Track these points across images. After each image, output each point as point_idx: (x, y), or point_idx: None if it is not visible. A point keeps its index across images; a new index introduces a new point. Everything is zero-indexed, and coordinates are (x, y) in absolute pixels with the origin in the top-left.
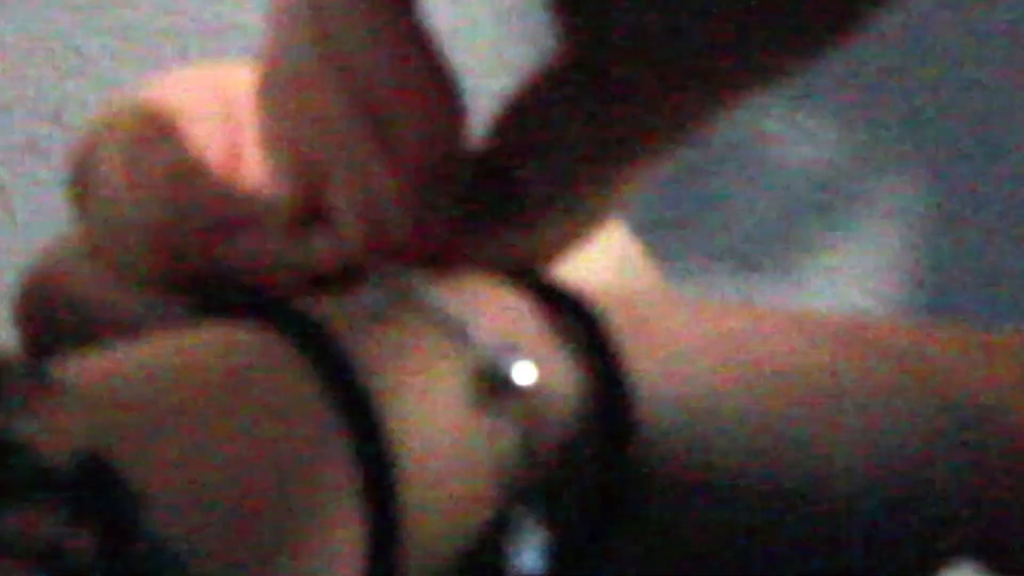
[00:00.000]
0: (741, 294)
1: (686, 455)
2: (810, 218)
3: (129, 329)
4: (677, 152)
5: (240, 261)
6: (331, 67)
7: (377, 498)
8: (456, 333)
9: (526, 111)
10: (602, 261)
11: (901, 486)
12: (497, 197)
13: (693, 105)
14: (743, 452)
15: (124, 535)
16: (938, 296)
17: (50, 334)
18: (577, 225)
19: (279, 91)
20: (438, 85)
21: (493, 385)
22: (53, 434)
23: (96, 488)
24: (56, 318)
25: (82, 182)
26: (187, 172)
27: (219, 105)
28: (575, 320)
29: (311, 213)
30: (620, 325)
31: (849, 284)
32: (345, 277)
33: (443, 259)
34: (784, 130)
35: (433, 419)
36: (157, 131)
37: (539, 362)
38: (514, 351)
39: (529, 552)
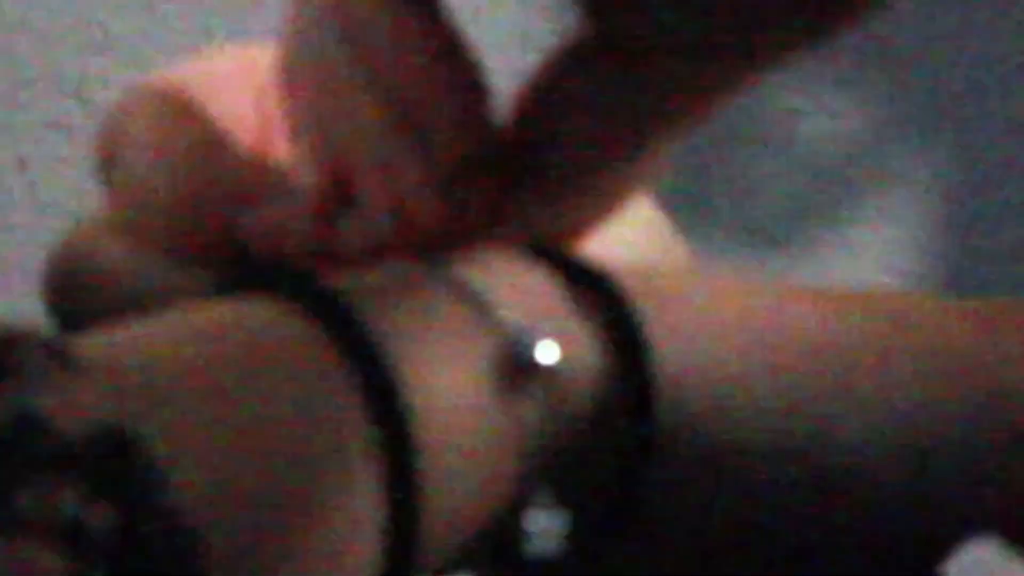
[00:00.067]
0: (763, 269)
1: (708, 432)
2: (833, 194)
3: (156, 302)
4: (700, 127)
5: (262, 234)
6: (356, 56)
7: (397, 473)
8: (480, 310)
9: (549, 88)
10: (628, 237)
11: (923, 460)
12: (521, 174)
13: (715, 80)
14: (765, 428)
15: (143, 510)
16: (960, 272)
17: (78, 308)
18: (601, 201)
19: (304, 79)
20: (462, 72)
21: (516, 364)
22: (72, 409)
23: (115, 463)
24: (84, 292)
25: (109, 156)
26: (212, 145)
27: (250, 84)
28: (599, 297)
29: (339, 198)
30: (643, 302)
31: (872, 260)
32: (371, 260)
33: (469, 238)
34: (807, 106)
35: (455, 395)
36: (184, 106)
37: (562, 340)
38: (538, 329)
39: (548, 530)
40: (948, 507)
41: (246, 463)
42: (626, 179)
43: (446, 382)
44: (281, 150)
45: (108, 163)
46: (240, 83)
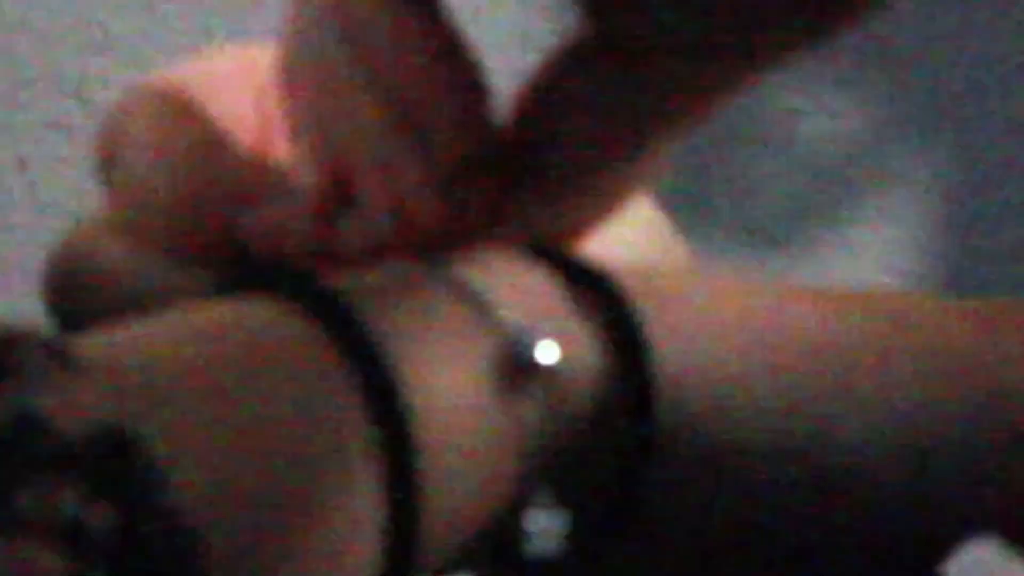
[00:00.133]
0: (763, 269)
1: (708, 432)
2: (833, 193)
3: (156, 302)
4: (700, 127)
5: (262, 234)
6: (356, 56)
7: (397, 473)
8: (480, 310)
9: (549, 88)
10: (629, 237)
11: (923, 460)
12: (522, 174)
13: (715, 80)
14: (765, 428)
15: (143, 511)
16: (961, 271)
17: (79, 308)
18: (601, 201)
19: (304, 79)
20: (462, 73)
21: (516, 364)
22: (72, 409)
23: (115, 463)
24: (84, 292)
25: (109, 156)
26: (211, 144)
27: (250, 84)
28: (599, 297)
29: (339, 198)
30: (643, 302)
31: (872, 259)
32: (371, 260)
33: (469, 238)
34: (807, 106)
35: (454, 395)
36: (183, 106)
37: (562, 340)
38: (538, 330)
39: (548, 530)
40: (948, 507)
41: (246, 463)
42: (626, 179)
43: (446, 382)
44: (281, 150)
45: (108, 163)
46: (240, 83)
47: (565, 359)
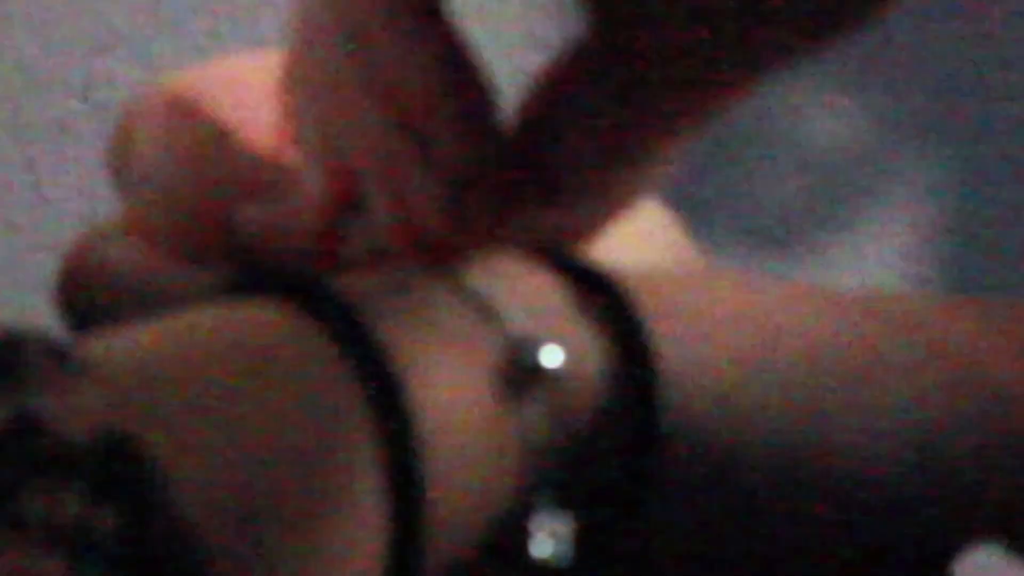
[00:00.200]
0: (766, 271)
1: (712, 435)
2: (837, 195)
3: (168, 303)
4: (706, 129)
5: (267, 233)
6: (361, 62)
7: (401, 478)
8: (485, 314)
9: (554, 91)
10: (636, 238)
11: (924, 464)
12: (527, 177)
13: (721, 83)
14: (769, 432)
15: (147, 514)
16: (964, 273)
17: (91, 309)
18: (607, 204)
19: (309, 85)
20: (467, 78)
21: (520, 368)
22: (76, 412)
23: (119, 467)
24: (97, 293)
25: (121, 158)
26: (218, 142)
27: (264, 88)
28: (603, 300)
29: (344, 203)
30: (648, 305)
31: (875, 261)
32: (375, 263)
33: (474, 242)
34: (811, 107)
35: (458, 400)
36: (194, 106)
37: (567, 344)
38: (542, 334)
39: (553, 533)
40: (951, 510)
41: (249, 466)
42: (632, 181)
43: (450, 386)
44: (293, 153)
45: (120, 165)
46: (253, 87)
47: (569, 363)
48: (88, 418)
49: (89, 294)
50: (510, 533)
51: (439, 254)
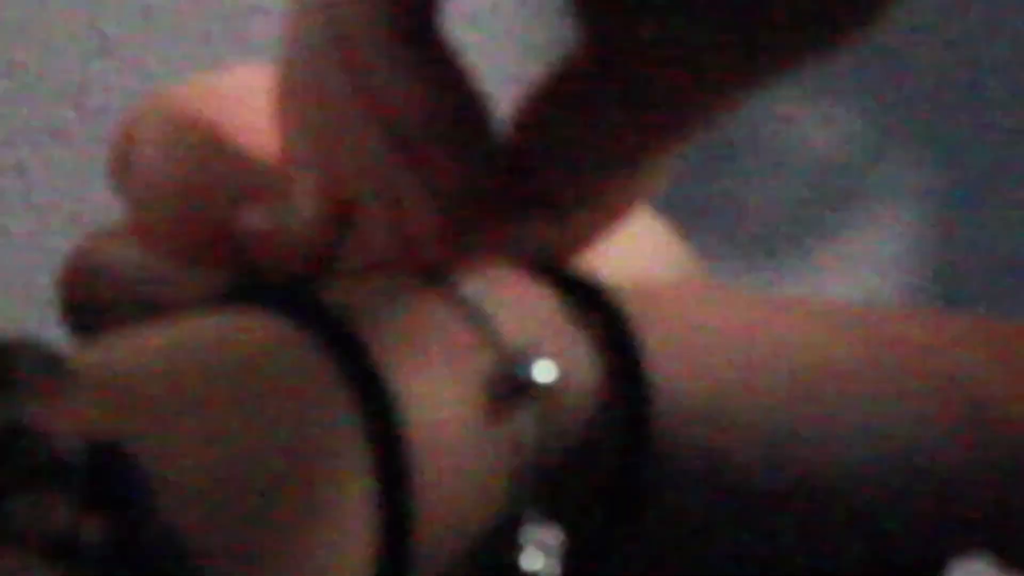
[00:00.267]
0: (758, 279)
1: (704, 449)
2: (827, 202)
3: (170, 306)
4: (698, 140)
5: (261, 235)
6: (354, 84)
7: (390, 488)
8: (479, 327)
9: (549, 103)
10: (634, 250)
11: (912, 475)
12: (522, 189)
13: (712, 96)
14: (761, 447)
15: (137, 523)
16: (956, 282)
17: (94, 315)
18: (603, 215)
19: (302, 105)
20: (461, 98)
21: (514, 382)
22: (67, 421)
23: (109, 476)
24: (99, 299)
25: (122, 165)
26: (218, 145)
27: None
28: (597, 314)
29: (340, 220)
30: (641, 319)
31: (867, 270)
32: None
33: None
34: (801, 115)
35: (450, 411)
36: (195, 111)
37: (560, 358)
38: (536, 348)
39: (543, 546)
40: (940, 521)
41: (239, 476)
42: (627, 192)
43: (441, 398)
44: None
45: (121, 172)
46: (254, 96)
47: (562, 377)
48: (79, 427)
49: (92, 297)
50: (499, 545)
51: (433, 268)
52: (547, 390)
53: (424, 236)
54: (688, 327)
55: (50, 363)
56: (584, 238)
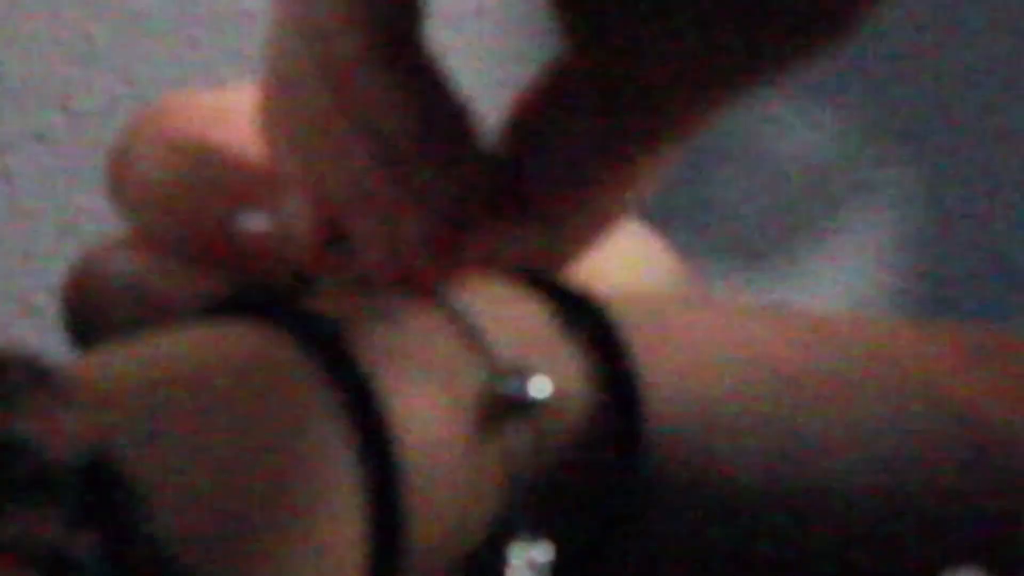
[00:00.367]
0: (746, 282)
1: (697, 464)
2: (814, 206)
3: (173, 313)
4: (686, 146)
5: (256, 236)
6: (339, 100)
7: (381, 501)
8: (472, 341)
9: (536, 112)
10: (622, 261)
11: (901, 486)
12: (512, 198)
13: (701, 100)
14: (752, 458)
15: (127, 537)
16: (944, 283)
17: (96, 324)
18: (593, 223)
19: (287, 121)
20: (447, 112)
21: (507, 398)
22: (56, 434)
23: (99, 489)
24: (102, 307)
25: (119, 178)
26: (214, 154)
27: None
28: (589, 325)
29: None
30: (633, 330)
31: (855, 272)
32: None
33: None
34: (788, 117)
35: (441, 426)
36: (190, 123)
37: (553, 373)
38: (531, 364)
39: (533, 563)
40: (928, 535)
41: (230, 491)
42: (618, 198)
43: (432, 413)
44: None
45: (118, 185)
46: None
47: (555, 392)
48: (70, 441)
49: (94, 308)
50: (489, 562)
51: (425, 281)
52: (541, 406)
53: (414, 250)
54: (679, 339)
55: (40, 376)
56: (575, 246)
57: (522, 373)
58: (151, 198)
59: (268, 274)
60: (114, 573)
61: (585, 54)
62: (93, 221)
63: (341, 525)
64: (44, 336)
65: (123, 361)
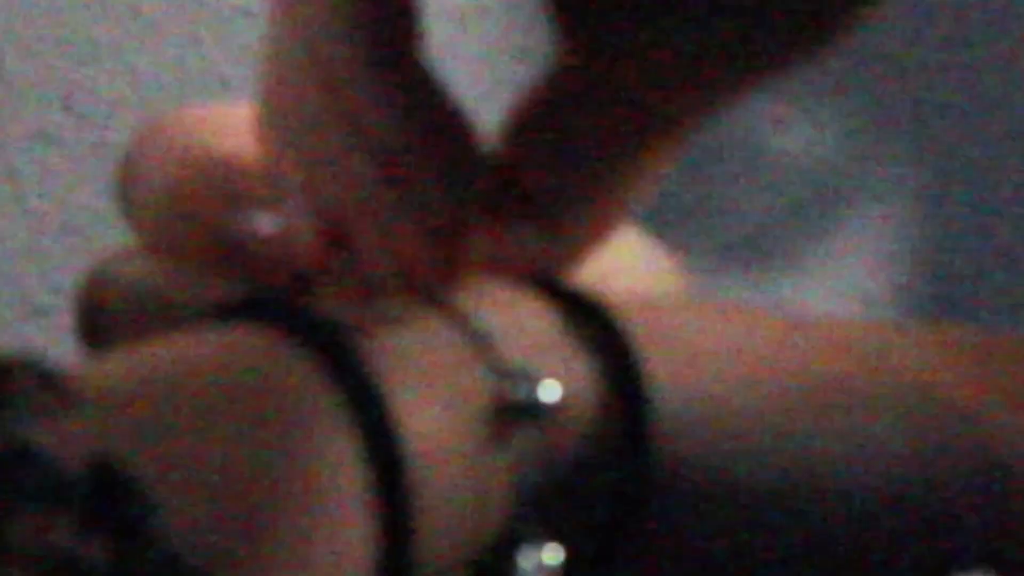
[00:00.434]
0: (749, 282)
1: (705, 467)
2: (814, 206)
3: (180, 319)
4: (688, 146)
5: (258, 239)
6: (336, 111)
7: (388, 505)
8: (480, 345)
9: (538, 111)
10: (621, 264)
11: (906, 491)
12: (513, 198)
13: (701, 100)
14: (762, 464)
15: (137, 543)
16: (947, 282)
17: (108, 333)
18: (594, 223)
19: (285, 131)
20: (445, 121)
21: (516, 403)
22: (65, 441)
23: (109, 495)
24: (113, 315)
25: (127, 188)
26: (220, 160)
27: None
28: (596, 329)
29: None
30: (640, 334)
31: (858, 271)
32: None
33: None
34: (791, 116)
35: (449, 430)
36: (196, 132)
37: (561, 377)
38: (540, 369)
39: (543, 566)
40: (936, 536)
41: (238, 495)
42: (619, 197)
43: (440, 417)
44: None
45: (127, 195)
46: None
47: (564, 396)
48: (79, 447)
49: (107, 315)
50: (498, 566)
51: (429, 286)
52: (549, 410)
53: (416, 256)
54: (686, 342)
55: (49, 381)
56: (578, 247)
57: (531, 377)
58: (158, 205)
59: (274, 278)
60: None
61: (583, 55)
62: (97, 220)
63: (348, 529)
64: (49, 334)
65: (130, 365)
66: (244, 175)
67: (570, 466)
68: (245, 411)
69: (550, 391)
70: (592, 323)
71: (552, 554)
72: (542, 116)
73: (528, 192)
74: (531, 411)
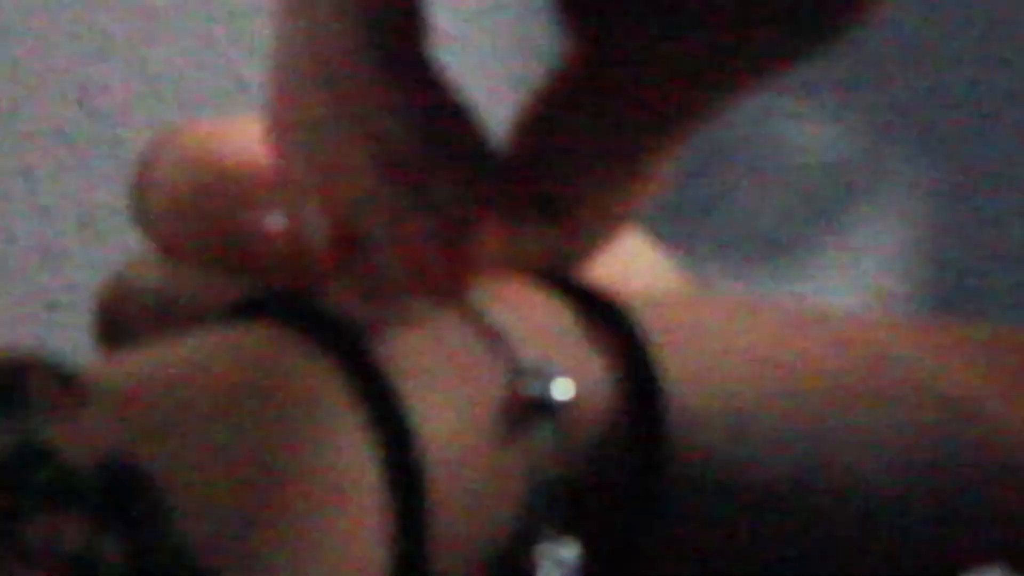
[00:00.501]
0: (759, 278)
1: (719, 462)
2: (828, 202)
3: (196, 321)
4: (700, 143)
5: (271, 238)
6: (346, 114)
7: (404, 503)
8: (495, 343)
9: (547, 107)
10: (626, 264)
11: (923, 486)
12: (523, 194)
13: (709, 96)
14: (775, 459)
15: (152, 541)
16: (957, 279)
17: (127, 337)
18: (603, 220)
19: (294, 134)
20: (455, 122)
21: (531, 399)
22: (80, 440)
23: (123, 494)
24: (132, 319)
25: (142, 196)
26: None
27: None
28: (611, 327)
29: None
30: (655, 331)
31: (869, 267)
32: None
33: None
34: (800, 113)
35: (464, 428)
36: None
37: (575, 374)
38: (554, 366)
39: (559, 562)
40: (953, 531)
41: (252, 494)
42: (628, 194)
43: (455, 414)
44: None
45: (141, 203)
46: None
47: (578, 393)
48: (93, 446)
49: (126, 320)
50: (516, 562)
51: (443, 285)
52: (564, 407)
53: (428, 255)
54: (699, 338)
55: (62, 380)
56: (588, 245)
57: (545, 375)
58: (172, 209)
59: (287, 277)
60: None
61: (591, 53)
62: (111, 216)
63: (364, 527)
64: (64, 331)
65: (144, 364)
66: (256, 179)
67: (585, 462)
68: (260, 410)
69: (564, 388)
70: (605, 319)
71: (569, 551)
72: (552, 114)
73: (539, 189)
74: (546, 408)
